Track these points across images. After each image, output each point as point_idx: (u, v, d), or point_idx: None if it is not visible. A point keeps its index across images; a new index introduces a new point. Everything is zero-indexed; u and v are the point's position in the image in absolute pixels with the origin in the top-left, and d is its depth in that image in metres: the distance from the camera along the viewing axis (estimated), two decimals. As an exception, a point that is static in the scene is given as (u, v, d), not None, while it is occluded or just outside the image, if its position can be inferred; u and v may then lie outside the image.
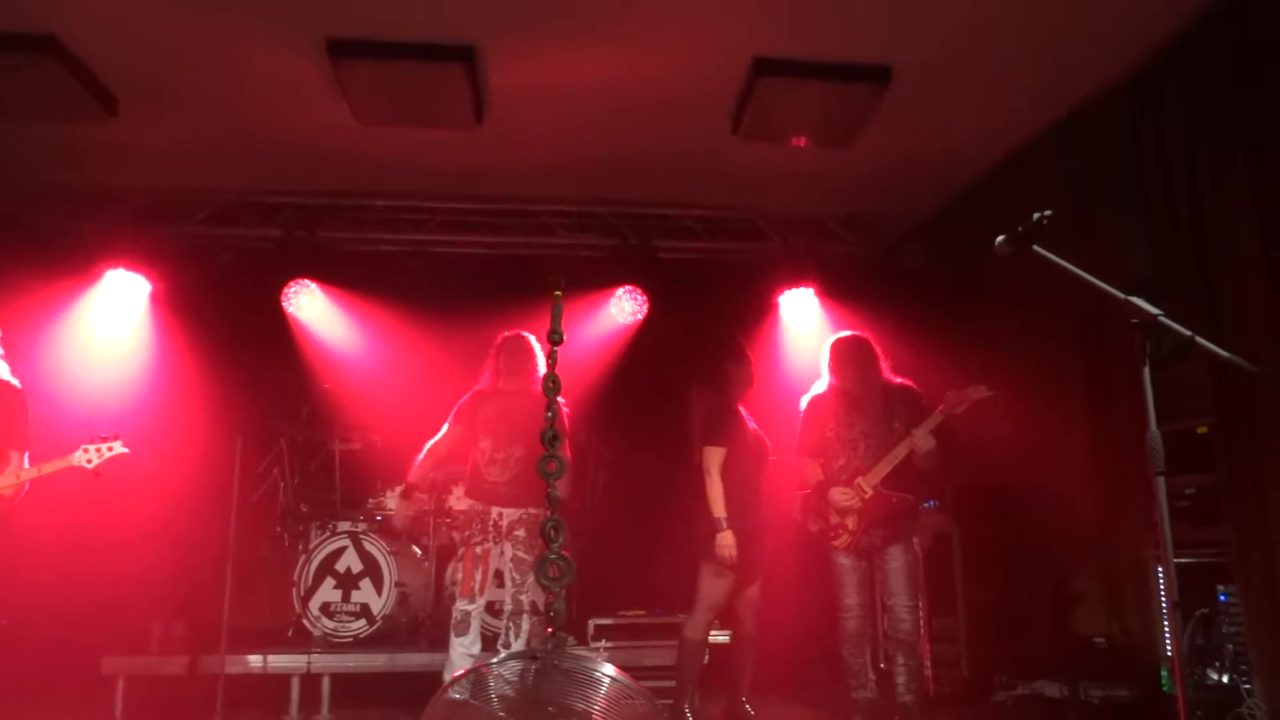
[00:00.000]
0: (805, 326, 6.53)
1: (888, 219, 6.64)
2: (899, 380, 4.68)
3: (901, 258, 6.98)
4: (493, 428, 4.86)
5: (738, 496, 4.41)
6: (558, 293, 3.20)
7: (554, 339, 3.14)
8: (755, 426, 4.63)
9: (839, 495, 4.53)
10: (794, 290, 6.64)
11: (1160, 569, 4.30)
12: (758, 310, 6.72)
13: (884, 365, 4.69)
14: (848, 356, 4.68)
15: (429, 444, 4.90)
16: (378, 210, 6.51)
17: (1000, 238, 2.71)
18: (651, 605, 5.74)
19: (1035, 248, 2.68)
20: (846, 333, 4.86)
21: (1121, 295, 2.54)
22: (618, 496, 6.58)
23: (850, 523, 4.53)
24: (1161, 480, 2.42)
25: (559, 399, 4.77)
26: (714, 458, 4.43)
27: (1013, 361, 5.60)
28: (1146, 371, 2.45)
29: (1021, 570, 5.47)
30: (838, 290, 6.58)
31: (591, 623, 5.64)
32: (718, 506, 4.37)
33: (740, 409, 4.60)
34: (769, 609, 4.88)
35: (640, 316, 6.85)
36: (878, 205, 6.44)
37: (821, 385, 4.76)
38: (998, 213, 5.20)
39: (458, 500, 5.84)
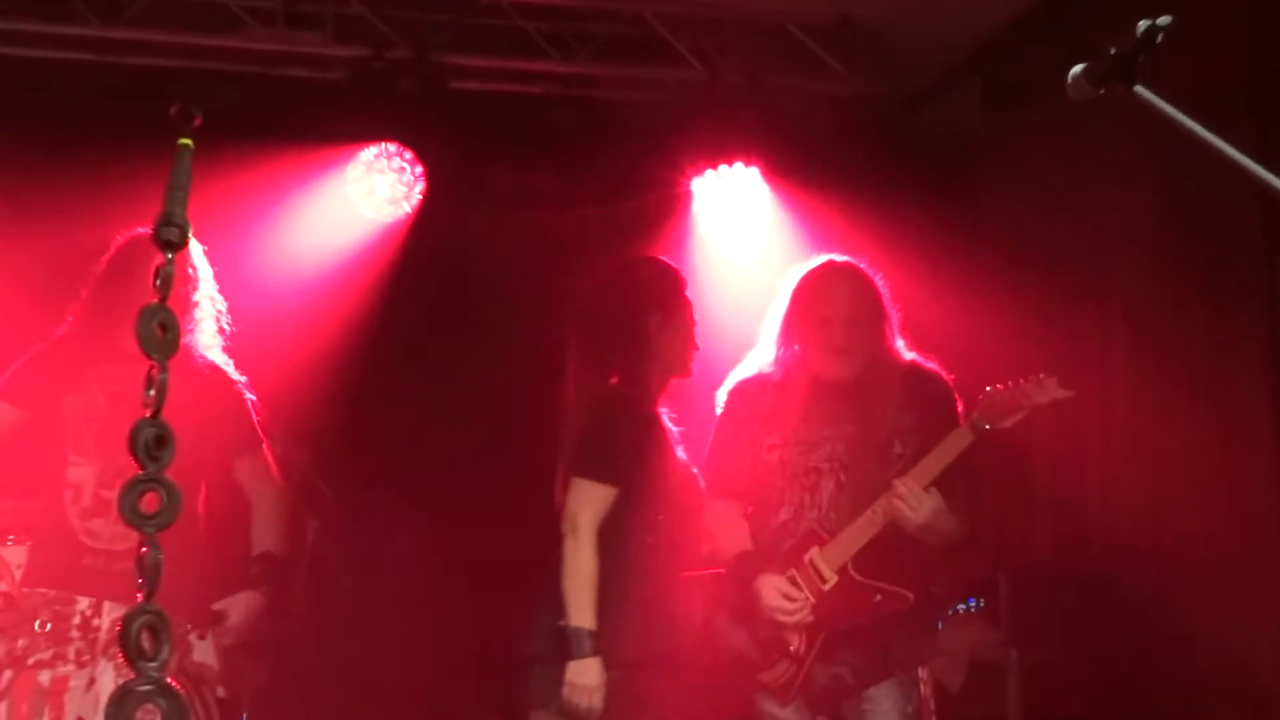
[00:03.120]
0: (742, 237, 6.80)
1: (909, 39, 6.82)
2: (920, 364, 4.78)
3: (930, 114, 7.20)
4: (98, 429, 4.81)
5: (628, 587, 4.41)
6: (185, 141, 2.96)
7: (165, 235, 2.84)
8: (683, 454, 4.71)
9: (774, 591, 4.52)
10: (723, 168, 6.86)
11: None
12: (652, 203, 6.93)
13: (893, 328, 4.77)
14: (825, 305, 4.71)
15: None
16: None
17: (1076, 68, 2.66)
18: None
19: (1137, 88, 2.57)
20: (824, 257, 4.90)
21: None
22: (345, 570, 6.60)
23: (794, 641, 4.55)
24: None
25: (223, 365, 4.72)
26: (589, 500, 4.44)
27: (1126, 321, 5.70)
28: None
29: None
30: (807, 170, 6.76)
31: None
32: (579, 604, 4.34)
33: (661, 411, 4.69)
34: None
35: (411, 205, 7.01)
36: (891, 10, 6.57)
37: (765, 359, 4.83)
38: (1102, 32, 5.22)
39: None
